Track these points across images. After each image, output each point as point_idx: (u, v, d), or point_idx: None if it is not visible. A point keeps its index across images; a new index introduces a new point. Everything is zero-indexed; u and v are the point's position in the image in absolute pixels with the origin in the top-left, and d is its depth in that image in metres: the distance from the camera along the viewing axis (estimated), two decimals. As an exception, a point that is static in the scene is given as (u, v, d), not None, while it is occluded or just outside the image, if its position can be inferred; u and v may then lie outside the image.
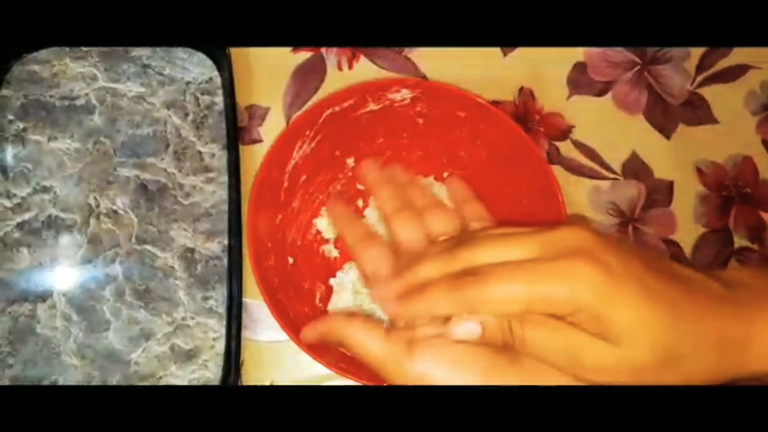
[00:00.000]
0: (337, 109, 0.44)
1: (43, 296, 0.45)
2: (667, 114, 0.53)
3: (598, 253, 0.27)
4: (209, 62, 0.49)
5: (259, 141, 0.51)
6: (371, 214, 0.48)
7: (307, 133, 0.45)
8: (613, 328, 0.27)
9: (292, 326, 0.41)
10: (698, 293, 0.28)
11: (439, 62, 0.52)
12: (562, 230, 0.29)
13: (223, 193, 0.47)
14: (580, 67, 0.54)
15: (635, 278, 0.27)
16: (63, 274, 0.45)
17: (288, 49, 0.52)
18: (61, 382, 0.44)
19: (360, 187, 0.49)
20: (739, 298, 0.29)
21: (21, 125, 0.47)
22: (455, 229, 0.36)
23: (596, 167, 0.52)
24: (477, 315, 0.29)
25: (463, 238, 0.32)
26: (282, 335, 0.42)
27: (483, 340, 0.29)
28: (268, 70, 0.52)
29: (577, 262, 0.27)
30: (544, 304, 0.27)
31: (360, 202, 0.50)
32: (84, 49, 0.49)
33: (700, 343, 0.27)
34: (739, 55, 0.54)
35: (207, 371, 0.46)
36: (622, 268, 0.27)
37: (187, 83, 0.49)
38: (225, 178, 0.48)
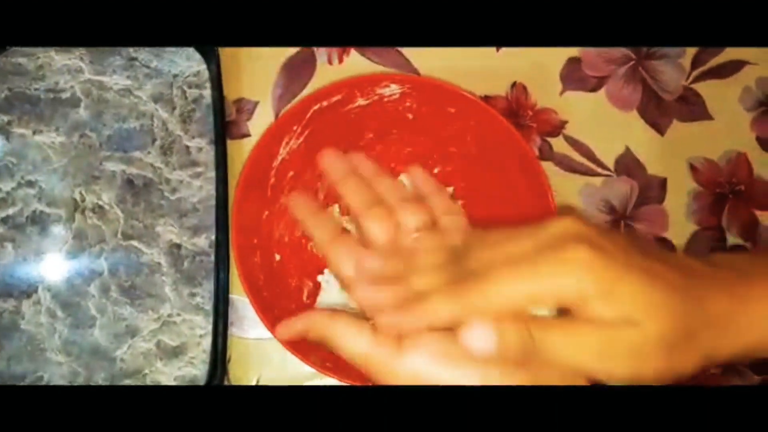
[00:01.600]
0: (325, 104, 0.43)
1: (28, 292, 0.45)
2: (661, 110, 0.52)
3: (592, 238, 0.27)
4: (197, 55, 0.49)
5: (248, 135, 0.50)
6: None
7: (295, 128, 0.44)
8: (626, 308, 0.26)
9: (278, 324, 0.41)
10: (689, 275, 0.28)
11: (430, 57, 0.51)
12: (553, 222, 0.28)
13: (210, 188, 0.47)
14: (573, 62, 0.53)
15: (632, 260, 0.27)
16: (48, 269, 0.45)
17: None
18: (45, 378, 0.44)
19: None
20: (725, 277, 0.29)
21: (5, 118, 0.47)
22: (426, 223, 0.36)
23: (589, 164, 0.51)
24: (484, 318, 0.28)
25: (458, 245, 0.32)
26: (269, 332, 0.42)
27: (501, 347, 0.27)
28: (257, 63, 0.51)
29: (574, 250, 0.27)
30: (551, 296, 0.27)
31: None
32: (69, 41, 0.48)
33: (701, 320, 0.28)
34: (735, 51, 0.53)
35: (193, 368, 0.45)
36: (618, 251, 0.27)
37: (175, 76, 0.48)
38: (212, 173, 0.47)
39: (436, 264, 0.31)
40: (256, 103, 0.51)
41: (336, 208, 0.49)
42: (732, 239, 0.51)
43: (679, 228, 0.51)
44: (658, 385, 0.29)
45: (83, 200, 0.46)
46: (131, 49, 0.49)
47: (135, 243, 0.46)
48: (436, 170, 0.49)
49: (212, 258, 0.46)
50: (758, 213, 0.52)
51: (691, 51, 0.53)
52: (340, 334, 0.31)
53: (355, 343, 0.31)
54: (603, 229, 0.29)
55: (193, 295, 0.46)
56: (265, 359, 0.47)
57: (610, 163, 0.52)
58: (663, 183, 0.52)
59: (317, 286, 0.47)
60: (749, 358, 0.30)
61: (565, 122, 0.52)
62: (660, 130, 0.52)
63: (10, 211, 0.46)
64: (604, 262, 0.27)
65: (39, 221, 0.46)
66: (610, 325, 0.27)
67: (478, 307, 0.28)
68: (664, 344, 0.27)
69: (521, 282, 0.27)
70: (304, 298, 0.47)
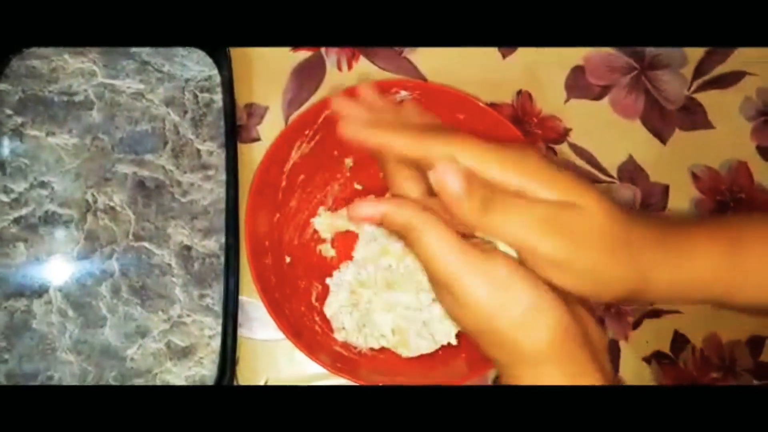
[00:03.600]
0: (336, 109, 0.44)
1: (40, 292, 0.45)
2: (663, 118, 0.53)
3: (533, 150, 0.29)
4: (209, 60, 0.49)
5: (258, 140, 0.51)
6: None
7: (306, 133, 0.45)
8: (569, 196, 0.28)
9: (288, 325, 0.41)
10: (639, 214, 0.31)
11: (438, 64, 0.52)
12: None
13: (220, 191, 0.48)
14: (578, 71, 0.54)
15: (569, 170, 0.29)
16: (59, 269, 0.46)
17: (288, 48, 0.52)
18: (56, 377, 0.44)
19: (358, 186, 0.50)
20: (679, 221, 0.31)
21: (19, 120, 0.47)
22: None
23: (592, 170, 0.52)
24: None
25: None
26: (278, 334, 0.42)
27: (467, 189, 0.28)
28: (267, 68, 0.52)
29: (521, 150, 0.29)
30: (497, 169, 0.28)
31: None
32: (83, 44, 0.49)
33: (644, 236, 0.29)
34: (735, 61, 0.54)
35: (203, 368, 0.46)
36: (555, 159, 0.30)
37: (187, 80, 0.49)
38: (223, 176, 0.48)
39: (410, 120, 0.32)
40: (266, 108, 0.51)
41: (345, 211, 0.49)
42: (732, 246, 0.52)
43: (681, 234, 0.52)
44: (598, 300, 0.30)
45: (95, 201, 0.47)
46: (144, 54, 0.49)
47: (146, 244, 0.46)
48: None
49: (222, 260, 0.46)
50: (758, 220, 0.52)
51: (693, 61, 0.54)
52: (429, 227, 0.29)
53: (445, 241, 0.29)
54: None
55: (203, 296, 0.46)
56: (273, 360, 0.48)
57: (613, 170, 0.52)
58: (665, 190, 0.52)
59: (326, 289, 0.47)
60: (683, 300, 0.31)
61: (570, 130, 0.53)
62: (662, 138, 0.53)
63: (23, 211, 0.46)
64: (544, 161, 0.29)
65: (51, 222, 0.46)
66: (554, 203, 0.28)
67: (430, 149, 0.29)
68: (604, 237, 0.28)
69: (472, 148, 0.28)
70: (313, 300, 0.47)
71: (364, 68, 0.52)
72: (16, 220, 0.46)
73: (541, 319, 0.29)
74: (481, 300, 0.29)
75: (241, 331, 0.48)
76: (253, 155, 0.50)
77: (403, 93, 0.45)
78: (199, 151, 0.48)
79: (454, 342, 0.45)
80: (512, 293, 0.29)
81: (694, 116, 0.54)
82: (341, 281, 0.47)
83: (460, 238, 0.29)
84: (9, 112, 0.47)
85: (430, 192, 0.31)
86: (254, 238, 0.42)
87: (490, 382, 0.48)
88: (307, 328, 0.45)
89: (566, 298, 0.30)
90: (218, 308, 0.46)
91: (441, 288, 0.30)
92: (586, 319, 0.30)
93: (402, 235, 0.30)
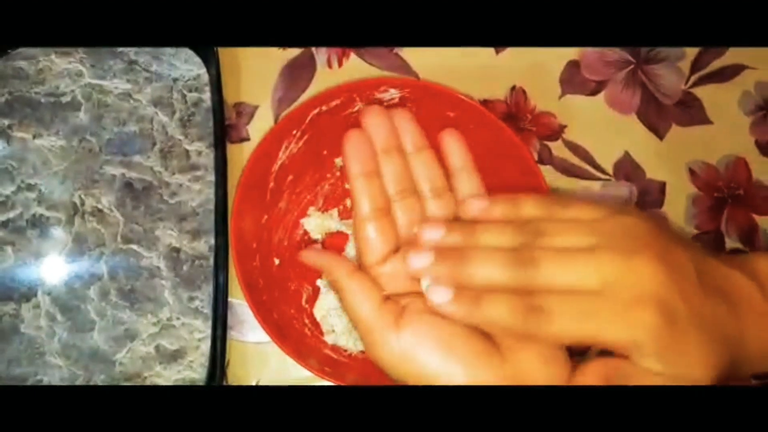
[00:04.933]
0: (324, 108, 0.44)
1: (27, 296, 0.45)
2: (660, 114, 0.52)
3: (665, 297, 0.27)
4: (197, 59, 0.49)
5: (247, 139, 0.50)
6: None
7: (294, 132, 0.44)
8: (679, 366, 0.28)
9: (276, 328, 0.41)
10: (741, 304, 0.30)
11: (430, 60, 0.52)
12: (632, 261, 0.28)
13: (210, 192, 0.47)
14: (573, 66, 0.53)
15: (694, 309, 0.28)
16: (47, 273, 0.45)
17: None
18: (45, 381, 0.44)
19: (348, 186, 0.49)
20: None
21: (5, 122, 0.47)
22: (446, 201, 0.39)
23: (588, 168, 0.52)
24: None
25: (522, 240, 0.30)
26: (268, 336, 0.42)
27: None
28: (256, 67, 0.51)
29: (642, 313, 0.27)
30: (604, 344, 0.28)
31: (348, 202, 0.49)
32: (70, 44, 0.48)
33: (743, 358, 0.30)
34: (734, 55, 0.53)
35: (192, 372, 0.45)
36: (685, 309, 0.28)
37: (174, 80, 0.48)
38: (212, 177, 0.47)
39: (502, 263, 0.30)
40: (255, 107, 0.51)
41: (335, 212, 0.49)
42: (731, 243, 0.51)
43: (678, 232, 0.51)
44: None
45: (83, 204, 0.46)
46: (131, 53, 0.49)
47: (134, 247, 0.46)
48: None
49: (211, 262, 0.46)
50: (757, 217, 0.52)
51: (690, 55, 0.53)
52: (350, 291, 0.33)
53: (361, 306, 0.32)
54: (677, 268, 0.28)
55: (192, 299, 0.46)
56: (264, 363, 0.47)
57: (609, 167, 0.52)
58: (662, 187, 0.52)
59: (316, 291, 0.47)
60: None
61: (565, 126, 0.52)
62: (659, 134, 0.52)
63: (11, 214, 0.46)
64: (668, 332, 0.27)
65: (39, 225, 0.46)
66: (661, 377, 0.28)
67: (536, 333, 0.29)
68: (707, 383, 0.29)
69: (583, 328, 0.28)
70: (303, 303, 0.47)
71: (355, 66, 0.52)
72: (4, 224, 0.45)
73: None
74: (385, 358, 0.31)
75: (232, 334, 0.47)
76: (242, 155, 0.50)
77: (392, 91, 0.44)
78: (187, 151, 0.48)
79: (446, 344, 0.44)
80: (418, 357, 0.30)
81: (691, 111, 0.53)
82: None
83: (381, 302, 0.32)
84: (-5, 114, 0.47)
85: (396, 248, 0.35)
86: (241, 240, 0.42)
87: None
88: (296, 331, 0.44)
89: (492, 346, 0.31)
90: (208, 311, 0.46)
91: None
92: (512, 372, 0.31)
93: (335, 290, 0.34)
